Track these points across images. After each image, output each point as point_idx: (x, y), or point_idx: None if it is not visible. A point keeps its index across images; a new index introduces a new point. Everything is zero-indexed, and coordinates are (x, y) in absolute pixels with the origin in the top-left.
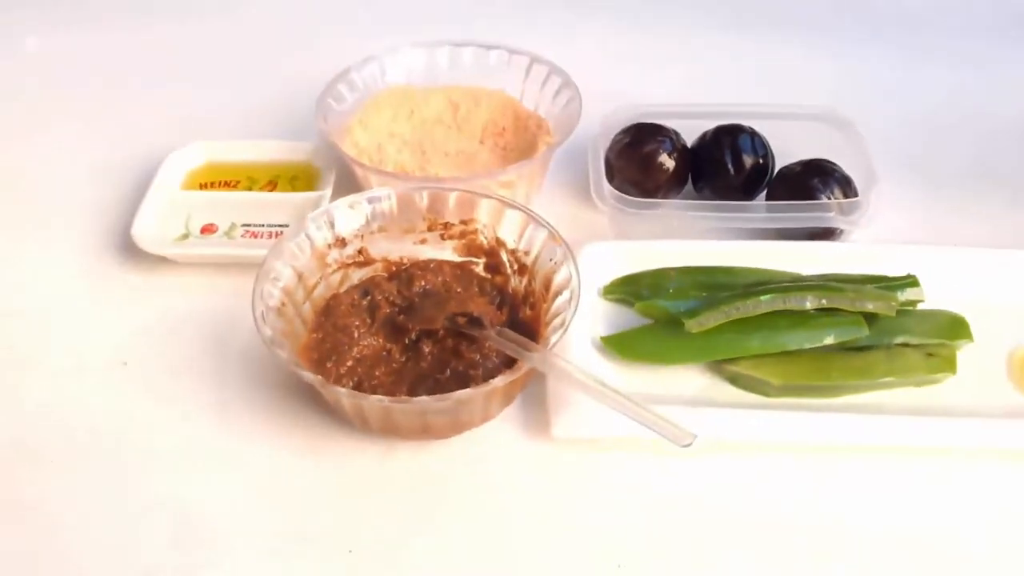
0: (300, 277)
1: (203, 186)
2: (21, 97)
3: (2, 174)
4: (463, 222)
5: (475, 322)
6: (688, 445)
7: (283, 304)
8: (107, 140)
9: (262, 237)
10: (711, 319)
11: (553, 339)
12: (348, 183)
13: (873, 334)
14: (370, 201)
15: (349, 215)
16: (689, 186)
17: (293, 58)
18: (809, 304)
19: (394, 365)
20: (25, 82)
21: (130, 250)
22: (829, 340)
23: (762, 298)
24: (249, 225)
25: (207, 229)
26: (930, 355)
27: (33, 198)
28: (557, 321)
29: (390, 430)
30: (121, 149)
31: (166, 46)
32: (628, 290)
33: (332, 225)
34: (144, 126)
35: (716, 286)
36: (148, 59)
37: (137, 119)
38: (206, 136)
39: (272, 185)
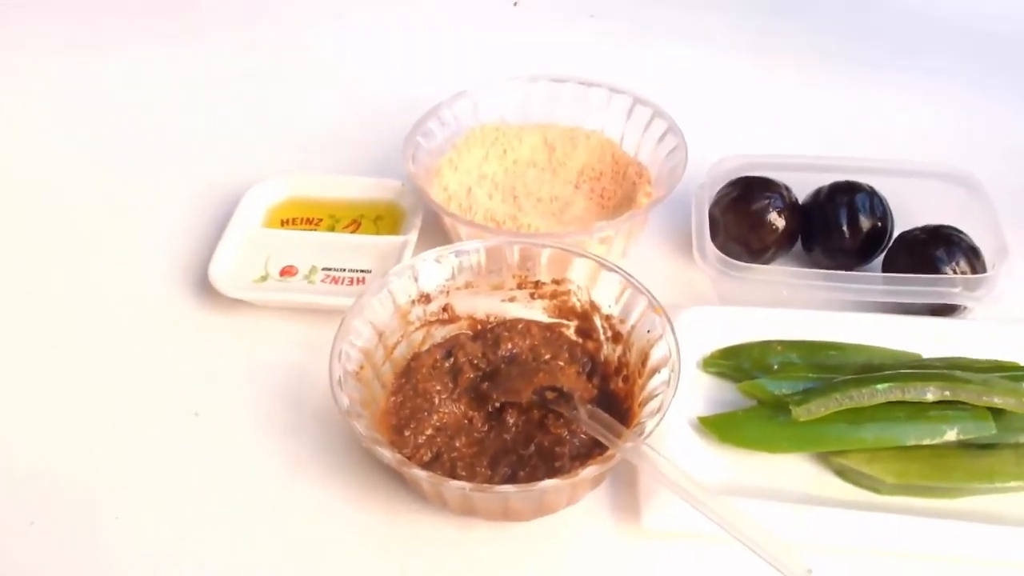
0: (380, 336)
1: (284, 223)
2: (100, 119)
3: (76, 199)
4: (555, 281)
5: (564, 397)
6: None
7: (362, 367)
8: (188, 168)
9: (343, 283)
10: (821, 407)
11: (649, 425)
12: (434, 226)
13: (1000, 431)
14: (457, 255)
15: (435, 269)
16: (798, 246)
17: (384, 88)
18: (930, 395)
19: (476, 435)
20: (106, 103)
21: (207, 289)
22: (951, 436)
23: (879, 387)
24: (330, 269)
25: (287, 271)
26: None
27: (108, 227)
28: (654, 403)
29: (468, 511)
30: (202, 178)
31: (252, 72)
32: (730, 363)
33: (416, 279)
34: (226, 155)
35: (826, 366)
36: (233, 86)
37: (219, 147)
38: (289, 167)
39: (356, 224)
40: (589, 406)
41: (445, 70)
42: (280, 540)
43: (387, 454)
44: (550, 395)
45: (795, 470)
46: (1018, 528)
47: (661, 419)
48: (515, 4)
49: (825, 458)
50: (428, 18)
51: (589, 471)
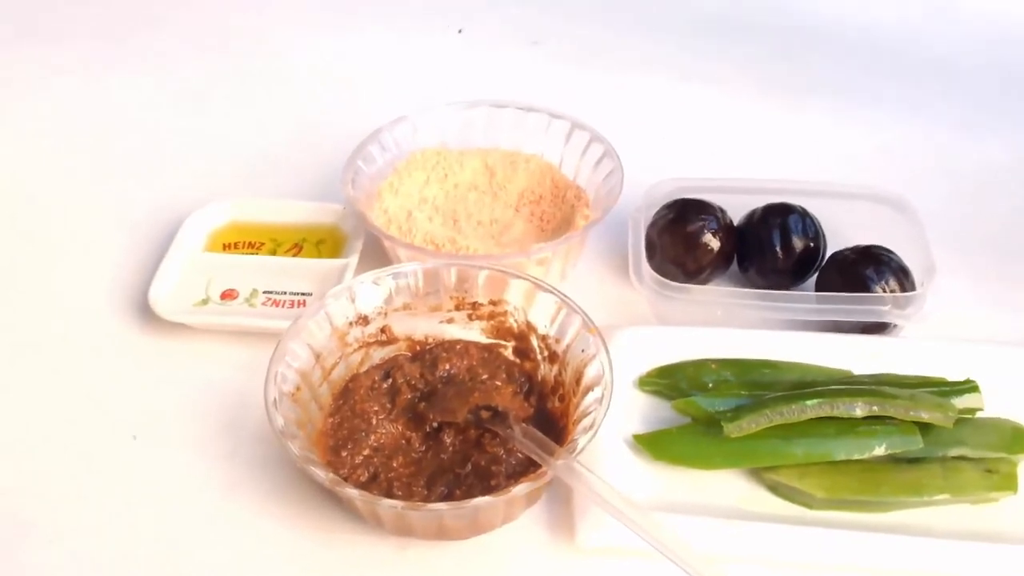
0: (318, 357)
1: (226, 247)
2: (39, 145)
3: (15, 223)
4: (492, 302)
5: (499, 416)
6: None
7: (298, 388)
8: (129, 193)
9: (284, 306)
10: (752, 423)
11: (581, 442)
12: (376, 250)
13: (927, 445)
14: (395, 277)
15: (373, 291)
16: (734, 266)
17: (327, 113)
18: (859, 411)
19: (413, 455)
20: (44, 130)
21: (147, 313)
22: (879, 451)
23: (808, 403)
24: (271, 292)
25: (227, 295)
26: (989, 471)
27: (48, 251)
28: (587, 421)
29: (404, 531)
30: (143, 203)
31: (193, 97)
32: (666, 382)
33: (354, 301)
34: (168, 179)
35: (759, 383)
36: (175, 111)
37: (161, 172)
38: (232, 192)
39: (298, 248)
40: (523, 425)
41: (389, 96)
42: (216, 562)
43: (320, 474)
44: (485, 414)
45: (728, 486)
46: (945, 540)
47: (593, 436)
48: (460, 31)
49: (757, 474)
50: (373, 44)
51: (521, 488)
